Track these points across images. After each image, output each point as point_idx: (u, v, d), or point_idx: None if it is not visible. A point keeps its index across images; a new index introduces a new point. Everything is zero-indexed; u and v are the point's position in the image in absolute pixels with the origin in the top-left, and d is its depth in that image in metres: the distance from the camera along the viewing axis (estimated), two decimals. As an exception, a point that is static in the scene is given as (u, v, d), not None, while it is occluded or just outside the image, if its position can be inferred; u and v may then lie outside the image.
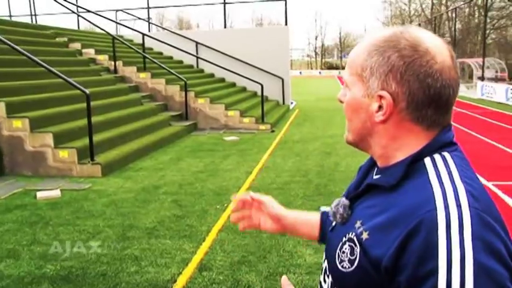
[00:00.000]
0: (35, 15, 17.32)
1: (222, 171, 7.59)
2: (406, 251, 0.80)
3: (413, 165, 0.90)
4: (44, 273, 3.91)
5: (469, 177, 0.87)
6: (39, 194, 6.15)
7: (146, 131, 9.97)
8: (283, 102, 17.57)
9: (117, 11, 19.21)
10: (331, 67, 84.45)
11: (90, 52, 13.52)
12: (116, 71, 13.08)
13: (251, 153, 9.23)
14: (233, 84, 17.16)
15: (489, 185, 6.48)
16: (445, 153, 0.91)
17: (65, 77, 7.86)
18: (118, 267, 3.99)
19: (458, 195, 0.82)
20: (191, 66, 17.26)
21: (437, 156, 0.91)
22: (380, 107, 0.92)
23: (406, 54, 0.89)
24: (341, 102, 1.03)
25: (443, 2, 44.04)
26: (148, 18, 19.08)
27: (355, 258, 0.89)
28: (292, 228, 1.38)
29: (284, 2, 17.61)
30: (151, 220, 5.20)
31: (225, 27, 19.73)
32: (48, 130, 7.45)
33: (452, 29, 33.57)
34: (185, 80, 12.53)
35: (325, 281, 1.05)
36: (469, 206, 0.81)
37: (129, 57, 14.10)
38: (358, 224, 0.93)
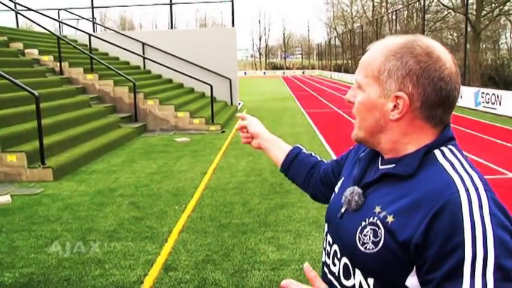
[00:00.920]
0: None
1: (176, 172, 7.60)
2: (434, 228, 0.92)
3: (425, 156, 1.03)
4: (1, 282, 3.81)
5: (474, 167, 1.02)
6: (-12, 200, 5.95)
7: (96, 133, 9.79)
8: (232, 103, 17.66)
9: (59, 10, 18.63)
10: (275, 67, 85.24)
11: (33, 52, 13.06)
12: (61, 72, 12.71)
13: (204, 153, 9.27)
14: (181, 85, 17.07)
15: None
16: (451, 147, 1.05)
17: (12, 79, 7.61)
18: (81, 271, 3.95)
19: (474, 181, 0.96)
20: (138, 67, 17.02)
21: (445, 149, 1.04)
22: (395, 107, 1.04)
23: (422, 59, 1.01)
24: (349, 102, 1.13)
25: (384, 4, 45.58)
26: (93, 18, 18.62)
27: (379, 240, 1.00)
28: (266, 148, 1.64)
29: (231, 2, 17.71)
30: (110, 223, 5.16)
31: (171, 27, 19.59)
32: (-6, 134, 7.19)
33: (393, 30, 34.85)
34: (134, 81, 12.37)
35: (334, 264, 1.15)
36: (484, 189, 0.95)
37: (75, 58, 13.74)
38: (378, 209, 1.03)
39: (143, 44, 16.88)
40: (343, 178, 1.27)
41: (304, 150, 1.59)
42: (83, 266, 4.05)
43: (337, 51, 56.96)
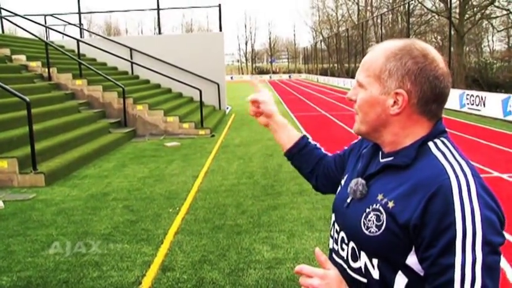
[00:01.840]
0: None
1: (168, 176, 7.65)
2: (429, 210, 1.05)
3: (421, 148, 1.16)
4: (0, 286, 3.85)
5: (463, 156, 1.15)
6: (-19, 206, 5.95)
7: (86, 138, 9.80)
8: (220, 107, 17.74)
9: (45, 15, 18.57)
10: (261, 72, 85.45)
11: (21, 58, 13.01)
12: (50, 78, 12.69)
13: (194, 157, 9.33)
14: (169, 90, 17.11)
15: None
16: (443, 139, 1.18)
17: (2, 84, 7.61)
18: (79, 273, 4.00)
19: (463, 168, 1.10)
20: (126, 73, 17.03)
21: (438, 141, 1.17)
22: (395, 102, 1.16)
23: (419, 60, 1.14)
24: (350, 100, 1.26)
25: (369, 8, 46.02)
26: (80, 23, 18.59)
27: (382, 223, 1.12)
28: (274, 130, 1.66)
29: (218, 8, 17.81)
30: (105, 226, 5.20)
31: (159, 33, 19.63)
32: (-15, 140, 7.18)
33: (378, 34, 35.23)
34: (123, 86, 12.40)
35: (343, 248, 1.27)
36: (472, 175, 1.08)
37: (63, 64, 13.72)
38: (380, 196, 1.16)
39: (131, 49, 16.91)
40: (347, 173, 1.38)
41: (310, 140, 1.68)
42: (81, 268, 4.09)
43: (323, 55, 57.35)
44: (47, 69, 12.67)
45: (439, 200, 1.04)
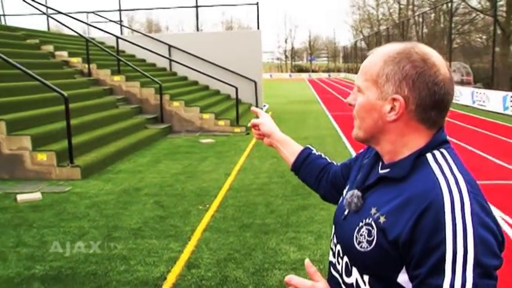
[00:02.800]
0: (4, 15, 17.01)
1: (200, 173, 7.71)
2: (419, 227, 0.99)
3: (418, 159, 1.10)
4: (33, 273, 3.96)
5: (463, 169, 1.08)
6: (19, 197, 6.15)
7: (122, 133, 10.00)
8: (257, 105, 17.75)
9: (88, 13, 19.05)
10: (300, 70, 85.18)
11: (63, 55, 13.40)
12: (89, 73, 13.01)
13: (228, 155, 9.37)
14: (206, 87, 17.25)
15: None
16: (443, 150, 1.12)
17: (43, 80, 7.85)
18: (107, 266, 4.08)
19: (458, 183, 1.02)
20: (164, 69, 17.27)
21: (436, 153, 1.11)
22: (392, 108, 1.10)
23: (418, 65, 1.08)
24: (350, 105, 1.21)
25: (410, 7, 45.12)
26: (120, 20, 18.98)
27: (373, 239, 1.07)
28: (277, 147, 1.68)
29: (256, 5, 17.82)
30: (135, 221, 5.29)
31: (197, 30, 19.81)
32: (26, 133, 7.42)
33: (419, 33, 34.49)
34: (160, 83, 12.57)
35: (339, 262, 1.23)
36: (468, 191, 1.01)
37: (102, 60, 14.04)
38: (373, 210, 1.11)
39: (169, 46, 17.13)
40: (349, 183, 1.34)
41: (314, 151, 1.64)
42: (109, 261, 4.17)
43: (363, 54, 56.61)
44: (87, 65, 13.00)
45: (429, 216, 0.98)
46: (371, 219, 1.10)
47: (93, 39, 16.03)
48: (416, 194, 1.03)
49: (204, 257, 4.26)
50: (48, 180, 7.20)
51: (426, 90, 1.07)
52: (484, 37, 32.45)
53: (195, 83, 17.18)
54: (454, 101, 19.95)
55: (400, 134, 1.12)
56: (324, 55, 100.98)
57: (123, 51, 16.57)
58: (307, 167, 1.61)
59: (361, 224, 1.12)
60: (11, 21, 19.39)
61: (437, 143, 1.12)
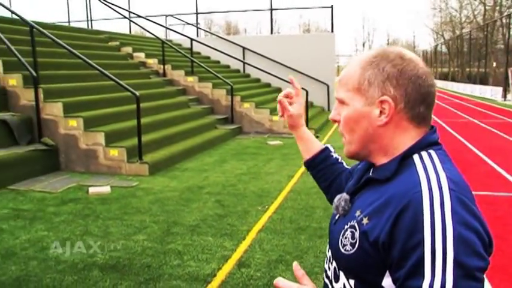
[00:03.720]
0: (91, 20, 18.05)
1: (264, 174, 7.77)
2: (397, 227, 0.95)
3: (404, 161, 1.07)
4: (94, 261, 4.19)
5: (450, 168, 1.03)
6: (91, 190, 6.52)
7: (192, 133, 10.29)
8: (328, 109, 17.59)
9: (166, 16, 19.79)
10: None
11: (140, 56, 14.03)
12: (164, 74, 13.51)
13: (294, 157, 9.36)
14: (279, 90, 17.31)
15: (534, 196, 6.35)
16: (431, 151, 1.08)
17: (117, 80, 8.25)
18: (162, 260, 4.22)
19: (440, 180, 0.98)
20: (238, 71, 17.57)
21: (424, 153, 1.07)
22: (381, 112, 1.08)
23: (397, 63, 1.07)
24: (334, 122, 1.18)
25: (497, 8, 42.71)
26: (197, 23, 19.55)
27: (356, 241, 1.05)
28: (298, 138, 1.61)
29: (330, 8, 17.68)
30: (194, 218, 5.43)
31: (271, 33, 19.96)
32: (100, 129, 7.85)
33: (506, 36, 32.49)
34: (231, 84, 12.80)
35: (329, 268, 1.22)
36: (449, 188, 0.97)
37: (177, 61, 14.53)
38: (358, 212, 1.08)
39: (243, 48, 17.39)
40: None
41: (333, 153, 1.61)
42: (164, 255, 4.32)
43: (444, 58, 54.39)
44: (162, 66, 13.51)
45: (408, 215, 0.94)
46: (355, 221, 1.08)
47: (170, 41, 16.66)
48: (396, 193, 1.00)
49: (255, 257, 4.30)
50: (118, 175, 7.56)
51: (411, 85, 1.06)
52: None
53: (268, 85, 17.32)
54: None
55: (392, 137, 1.10)
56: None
57: (199, 53, 17.05)
58: (323, 170, 1.58)
59: (345, 226, 1.11)
60: (97, 25, 20.52)
61: (426, 144, 1.09)
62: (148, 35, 16.43)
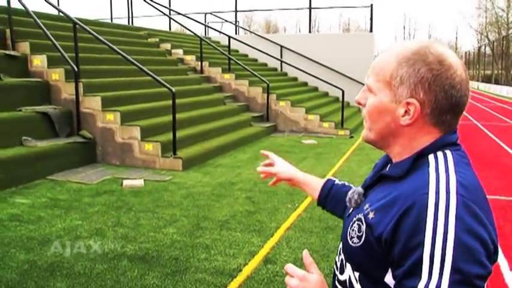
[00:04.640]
0: (132, 17, 18.40)
1: (296, 173, 7.75)
2: (401, 226, 0.96)
3: (419, 160, 1.06)
4: (124, 252, 4.30)
5: (463, 171, 1.02)
6: (125, 182, 6.67)
7: (227, 130, 10.37)
8: (365, 109, 17.37)
9: (206, 13, 19.97)
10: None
11: (178, 52, 14.22)
12: (201, 71, 13.66)
13: (327, 157, 9.32)
14: (315, 89, 17.26)
15: None
16: (447, 151, 1.06)
17: (154, 75, 8.40)
18: (189, 253, 4.29)
19: (449, 183, 0.97)
20: (275, 69, 17.58)
21: (439, 153, 1.06)
22: (406, 112, 1.06)
23: (434, 67, 1.03)
24: (359, 104, 1.17)
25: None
26: (236, 21, 19.65)
27: (362, 234, 1.06)
28: (300, 186, 1.67)
29: (370, 8, 17.46)
30: (224, 213, 5.48)
31: (310, 31, 19.88)
32: (136, 124, 8.02)
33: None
34: (268, 82, 12.83)
35: (338, 259, 1.23)
36: (457, 193, 0.95)
37: (214, 58, 14.66)
38: (366, 206, 1.10)
39: (281, 46, 17.38)
40: None
41: (337, 182, 1.60)
42: (192, 249, 4.39)
43: (488, 60, 52.79)
44: (199, 63, 13.65)
45: (412, 215, 0.95)
46: (362, 214, 1.09)
47: (209, 38, 16.81)
48: (404, 193, 1.00)
49: (282, 254, 4.31)
50: (153, 169, 7.70)
51: (443, 94, 1.03)
52: None
53: (305, 84, 17.26)
54: None
55: (413, 138, 1.09)
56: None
57: (237, 51, 17.14)
58: (333, 199, 1.57)
59: (354, 219, 1.12)
60: (138, 22, 20.92)
61: (443, 144, 1.07)
62: (187, 32, 16.64)
